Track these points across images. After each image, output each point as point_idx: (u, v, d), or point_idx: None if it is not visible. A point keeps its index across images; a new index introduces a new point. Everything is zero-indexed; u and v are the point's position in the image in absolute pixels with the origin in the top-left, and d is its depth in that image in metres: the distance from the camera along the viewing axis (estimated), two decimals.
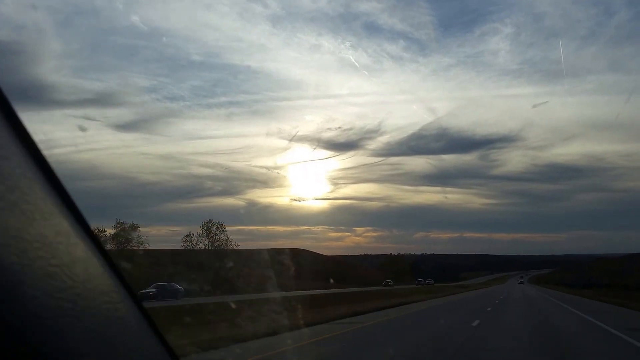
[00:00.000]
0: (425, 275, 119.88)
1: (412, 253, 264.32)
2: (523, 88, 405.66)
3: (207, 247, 62.99)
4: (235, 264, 50.50)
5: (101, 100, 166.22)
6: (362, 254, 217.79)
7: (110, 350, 1.02)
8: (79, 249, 1.02)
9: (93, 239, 1.10)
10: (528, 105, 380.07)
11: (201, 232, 63.89)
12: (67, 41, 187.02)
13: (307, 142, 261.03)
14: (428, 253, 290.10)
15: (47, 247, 0.90)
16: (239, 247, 63.65)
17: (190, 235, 63.24)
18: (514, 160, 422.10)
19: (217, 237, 64.14)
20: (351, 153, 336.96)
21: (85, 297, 0.96)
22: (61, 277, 0.90)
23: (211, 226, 64.34)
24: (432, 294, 53.18)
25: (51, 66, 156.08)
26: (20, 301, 0.81)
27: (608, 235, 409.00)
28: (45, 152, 1.00)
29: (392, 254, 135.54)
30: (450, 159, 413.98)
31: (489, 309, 28.46)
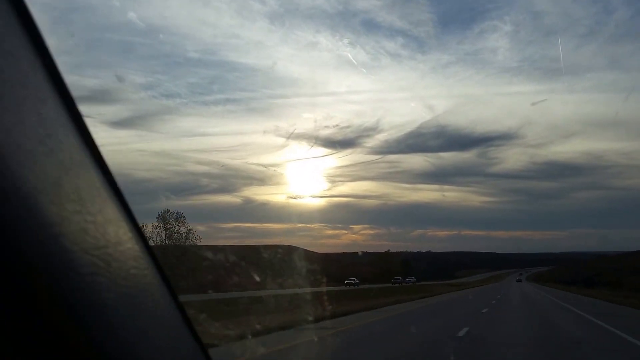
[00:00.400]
0: (417, 273, 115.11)
1: (409, 250, 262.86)
2: (522, 86, 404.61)
3: (162, 241, 57.00)
4: (183, 261, 46.14)
5: (97, 97, 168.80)
6: (359, 251, 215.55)
7: (135, 312, 1.02)
8: (110, 210, 0.99)
9: (122, 201, 1.06)
10: (527, 103, 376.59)
11: (157, 224, 57.85)
12: (62, 37, 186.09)
13: (305, 140, 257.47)
14: (425, 250, 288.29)
15: (82, 201, 0.88)
16: (201, 243, 58.64)
17: (143, 226, 57.48)
18: (512, 158, 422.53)
19: (175, 229, 58.46)
20: (349, 151, 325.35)
21: (117, 260, 0.95)
22: (95, 235, 0.89)
23: (169, 217, 58.55)
24: (409, 294, 42.63)
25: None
26: (58, 255, 0.79)
27: (606, 233, 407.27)
28: (78, 102, 0.96)
29: (383, 250, 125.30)
30: (448, 157, 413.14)
31: (484, 310, 24.41)
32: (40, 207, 0.77)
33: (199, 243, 57.81)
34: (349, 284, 63.53)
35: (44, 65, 0.89)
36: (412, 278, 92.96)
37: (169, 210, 58.71)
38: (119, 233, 1.00)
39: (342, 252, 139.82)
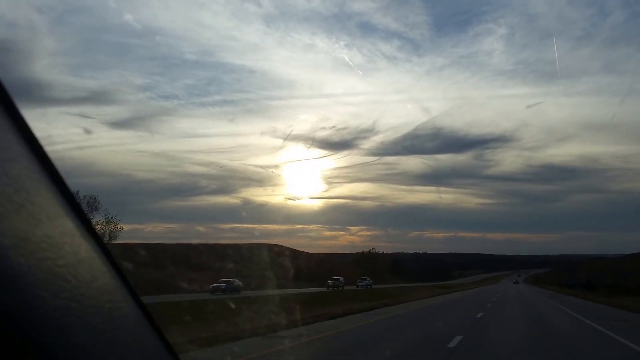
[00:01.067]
0: (409, 274, 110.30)
1: (405, 252, 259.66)
2: (517, 88, 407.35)
3: None
4: None
5: (96, 98, 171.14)
6: (355, 252, 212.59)
7: (112, 347, 1.04)
8: (83, 249, 1.04)
9: (96, 238, 1.11)
10: (522, 106, 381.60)
11: None
12: (60, 39, 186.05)
13: (302, 141, 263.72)
14: (420, 252, 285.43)
15: (53, 247, 0.92)
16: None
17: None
18: (508, 160, 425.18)
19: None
20: (345, 152, 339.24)
21: (89, 297, 0.98)
22: (67, 277, 0.93)
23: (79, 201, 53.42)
24: (352, 303, 28.76)
25: (45, 64, 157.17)
26: (28, 301, 0.82)
27: (602, 236, 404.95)
28: (50, 153, 1.01)
29: (365, 250, 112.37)
30: (444, 159, 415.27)
31: (479, 314, 19.69)
32: (8, 261, 0.79)
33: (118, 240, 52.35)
34: (335, 284, 58.02)
35: (12, 120, 0.92)
36: (366, 279, 69.90)
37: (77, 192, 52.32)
38: (93, 270, 1.03)
39: (341, 253, 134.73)
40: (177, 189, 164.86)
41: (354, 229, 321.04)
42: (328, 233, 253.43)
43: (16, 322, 0.79)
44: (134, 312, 1.16)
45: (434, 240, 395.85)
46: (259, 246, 57.35)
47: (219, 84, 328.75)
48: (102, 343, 0.98)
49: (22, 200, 0.87)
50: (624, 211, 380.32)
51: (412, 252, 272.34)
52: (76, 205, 1.05)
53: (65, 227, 0.99)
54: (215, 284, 40.19)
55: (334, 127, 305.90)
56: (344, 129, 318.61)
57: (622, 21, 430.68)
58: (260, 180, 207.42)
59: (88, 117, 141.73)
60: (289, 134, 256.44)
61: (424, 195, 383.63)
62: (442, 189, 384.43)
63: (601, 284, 65.56)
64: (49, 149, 0.97)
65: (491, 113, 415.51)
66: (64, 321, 0.88)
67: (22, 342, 0.80)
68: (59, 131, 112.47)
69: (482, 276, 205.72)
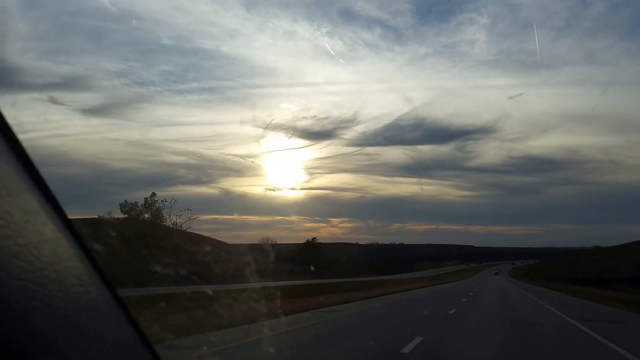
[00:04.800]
0: (362, 266, 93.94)
1: (380, 243, 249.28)
2: (499, 79, 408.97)
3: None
4: None
5: (69, 84, 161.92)
6: (335, 242, 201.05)
7: (79, 335, 0.98)
8: (48, 229, 0.96)
9: (63, 219, 1.04)
10: (504, 97, 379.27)
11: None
12: (33, 22, 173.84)
13: (282, 131, 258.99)
14: (397, 243, 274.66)
15: (13, 225, 0.85)
16: None
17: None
18: (490, 152, 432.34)
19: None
20: (327, 142, 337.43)
21: (54, 280, 0.91)
22: (28, 258, 0.86)
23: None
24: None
25: (16, 48, 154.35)
26: None
27: (583, 228, 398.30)
28: (15, 128, 0.96)
29: (309, 239, 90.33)
30: (426, 150, 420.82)
31: None
32: None
33: None
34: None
35: None
36: None
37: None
38: (58, 252, 0.96)
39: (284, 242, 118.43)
40: (154, 178, 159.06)
41: (335, 220, 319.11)
42: (309, 225, 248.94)
43: None
44: (104, 298, 1.06)
45: (415, 232, 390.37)
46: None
47: (197, 71, 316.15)
48: (67, 330, 0.90)
49: None
50: (604, 203, 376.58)
51: (388, 242, 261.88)
52: (42, 182, 0.96)
53: (29, 204, 0.90)
54: None
55: (315, 116, 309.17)
56: (325, 118, 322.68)
57: (603, 12, 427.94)
58: (239, 170, 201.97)
59: (60, 103, 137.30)
60: (269, 123, 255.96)
61: (406, 186, 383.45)
62: (424, 180, 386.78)
63: (608, 278, 50.79)
64: (21, 136, 0.92)
65: (473, 104, 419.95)
66: (23, 305, 0.80)
67: None
68: (30, 118, 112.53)
69: (456, 267, 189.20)
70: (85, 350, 0.96)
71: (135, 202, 47.35)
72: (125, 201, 47.41)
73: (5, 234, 0.81)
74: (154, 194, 47.67)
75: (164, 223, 47.48)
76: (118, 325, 1.13)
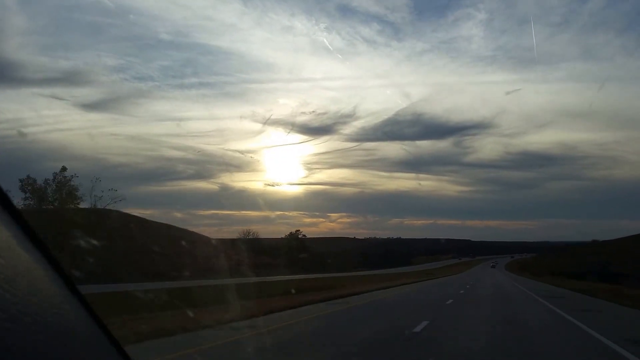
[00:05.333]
0: (351, 261, 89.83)
1: (378, 237, 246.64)
2: (496, 75, 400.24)
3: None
4: None
5: (68, 79, 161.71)
6: (332, 237, 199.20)
7: (42, 334, 0.91)
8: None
9: (14, 215, 0.97)
10: (501, 92, 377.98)
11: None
12: (31, 17, 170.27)
13: (281, 126, 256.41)
14: (394, 237, 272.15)
15: None
16: None
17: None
18: (487, 147, 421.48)
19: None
20: (325, 138, 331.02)
21: (12, 281, 0.86)
22: None
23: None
24: None
25: (15, 43, 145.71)
26: None
27: (579, 223, 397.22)
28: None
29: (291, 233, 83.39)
30: (424, 145, 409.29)
31: None
32: None
33: None
34: None
35: None
36: None
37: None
38: (13, 251, 0.89)
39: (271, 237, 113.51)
40: (153, 173, 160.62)
41: (334, 215, 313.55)
42: (308, 220, 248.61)
43: None
44: (70, 301, 1.01)
45: (413, 228, 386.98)
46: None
47: (196, 66, 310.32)
48: (28, 329, 0.83)
49: None
50: (601, 198, 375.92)
51: (385, 237, 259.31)
52: None
53: None
54: None
55: (313, 112, 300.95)
56: (324, 113, 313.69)
57: (601, 7, 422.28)
58: (238, 165, 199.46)
59: (60, 98, 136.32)
60: (268, 119, 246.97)
61: (404, 182, 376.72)
62: (422, 175, 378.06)
63: (623, 273, 47.16)
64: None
65: (470, 99, 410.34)
66: None
67: None
68: (30, 113, 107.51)
69: (452, 261, 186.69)
70: (51, 349, 0.90)
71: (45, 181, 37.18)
72: (28, 177, 36.99)
73: None
74: (64, 168, 37.26)
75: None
76: (85, 326, 1.06)
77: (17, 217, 0.92)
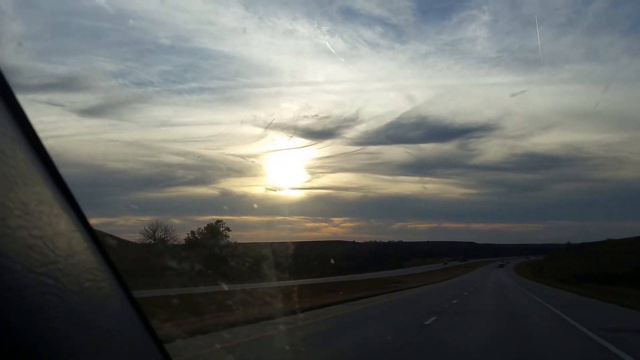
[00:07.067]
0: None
1: (379, 241, 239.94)
2: (501, 76, 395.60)
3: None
4: None
5: (66, 84, 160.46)
6: (330, 241, 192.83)
7: (91, 332, 0.94)
8: (63, 221, 0.93)
9: (77, 211, 1.01)
10: (506, 94, 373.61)
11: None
12: (28, 22, 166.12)
13: (283, 130, 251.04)
14: (396, 240, 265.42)
15: (28, 216, 0.82)
16: None
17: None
18: (492, 149, 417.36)
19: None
20: (328, 142, 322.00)
21: (67, 274, 0.88)
22: (43, 250, 0.82)
23: None
24: None
25: (12, 48, 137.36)
26: None
27: (585, 225, 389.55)
28: (30, 117, 0.96)
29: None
30: (428, 148, 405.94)
31: None
32: None
33: None
34: None
35: None
36: None
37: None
38: (72, 245, 0.92)
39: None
40: (152, 179, 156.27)
41: (337, 220, 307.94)
42: (310, 224, 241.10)
43: None
44: (117, 294, 1.04)
45: (417, 231, 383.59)
46: None
47: (196, 71, 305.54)
48: (79, 326, 0.86)
49: None
50: (607, 200, 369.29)
51: (386, 240, 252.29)
52: (56, 173, 0.93)
53: (43, 195, 0.87)
54: None
55: (316, 115, 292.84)
56: (327, 117, 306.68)
57: (605, 8, 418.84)
58: (239, 170, 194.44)
59: (57, 104, 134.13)
60: (270, 123, 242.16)
61: (408, 185, 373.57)
62: (426, 179, 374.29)
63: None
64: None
65: (475, 101, 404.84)
66: (38, 299, 0.76)
67: None
68: None
69: (451, 264, 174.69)
70: (96, 347, 0.92)
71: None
72: None
73: (20, 224, 0.76)
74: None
75: None
76: (130, 322, 1.09)
77: (72, 201, 0.95)
